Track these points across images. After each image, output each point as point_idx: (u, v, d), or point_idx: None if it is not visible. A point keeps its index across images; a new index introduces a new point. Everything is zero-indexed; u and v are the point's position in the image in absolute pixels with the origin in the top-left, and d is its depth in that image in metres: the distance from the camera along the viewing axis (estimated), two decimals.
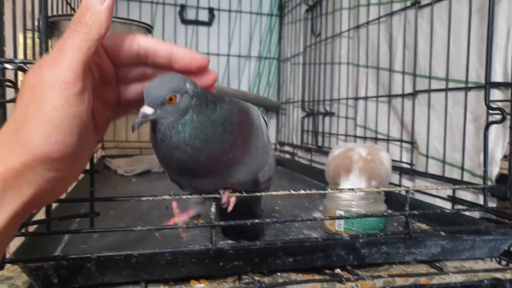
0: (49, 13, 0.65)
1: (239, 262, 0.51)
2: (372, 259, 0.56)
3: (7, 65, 0.45)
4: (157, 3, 1.62)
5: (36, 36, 0.62)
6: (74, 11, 0.94)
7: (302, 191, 0.54)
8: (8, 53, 0.52)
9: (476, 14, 0.73)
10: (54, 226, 0.53)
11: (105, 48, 0.35)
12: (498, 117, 0.64)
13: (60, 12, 0.81)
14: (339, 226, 0.67)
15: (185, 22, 1.66)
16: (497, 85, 0.67)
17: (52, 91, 0.30)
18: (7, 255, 0.47)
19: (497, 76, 0.69)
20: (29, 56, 0.85)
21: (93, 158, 0.57)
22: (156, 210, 0.84)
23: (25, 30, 0.58)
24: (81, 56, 0.31)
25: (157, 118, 0.41)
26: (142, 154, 1.57)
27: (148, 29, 0.88)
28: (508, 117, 0.64)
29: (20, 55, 0.60)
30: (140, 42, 0.36)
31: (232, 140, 0.44)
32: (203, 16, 1.68)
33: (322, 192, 0.60)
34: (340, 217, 0.64)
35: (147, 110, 0.39)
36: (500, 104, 0.67)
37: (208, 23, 1.69)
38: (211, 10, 1.69)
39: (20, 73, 0.55)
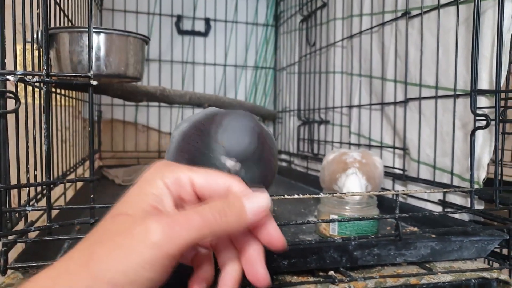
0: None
1: None
2: (365, 261, 0.58)
3: (9, 77, 0.47)
4: (154, 14, 1.64)
5: (35, 48, 0.64)
6: (72, 23, 0.95)
7: (296, 196, 0.56)
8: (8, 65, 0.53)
9: (463, 24, 0.76)
10: (54, 234, 0.54)
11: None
12: (484, 122, 0.66)
13: (58, 25, 0.83)
14: (333, 230, 0.69)
15: (182, 32, 1.68)
16: (482, 92, 0.69)
17: (145, 249, 0.27)
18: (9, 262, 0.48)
19: (483, 84, 0.71)
20: (29, 68, 0.87)
21: (94, 165, 0.58)
22: None
23: (24, 42, 0.59)
24: (195, 236, 0.28)
25: None
26: (139, 164, 1.58)
27: (145, 41, 0.90)
28: (493, 122, 0.66)
29: (19, 67, 0.62)
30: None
31: None
32: (200, 26, 1.71)
33: (315, 196, 0.61)
34: (332, 220, 0.66)
35: None
36: (486, 111, 0.69)
37: (205, 34, 1.71)
38: (207, 21, 1.71)
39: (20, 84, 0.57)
